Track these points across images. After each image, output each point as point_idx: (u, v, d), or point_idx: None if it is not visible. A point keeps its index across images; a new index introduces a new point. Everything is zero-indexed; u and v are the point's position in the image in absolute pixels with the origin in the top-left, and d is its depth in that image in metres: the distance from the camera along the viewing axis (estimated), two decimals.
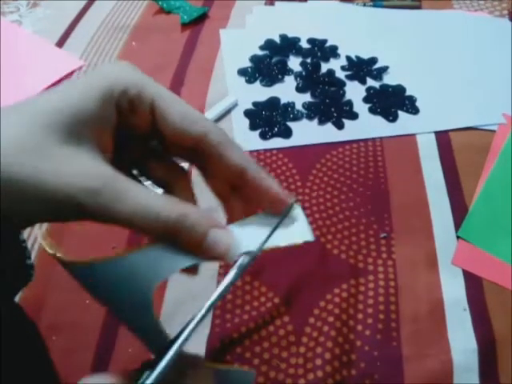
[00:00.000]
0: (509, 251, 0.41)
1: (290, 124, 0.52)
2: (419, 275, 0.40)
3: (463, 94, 0.56)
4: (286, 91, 0.55)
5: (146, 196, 0.19)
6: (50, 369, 0.26)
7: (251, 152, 0.49)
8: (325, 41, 0.62)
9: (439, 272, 0.40)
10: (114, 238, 0.41)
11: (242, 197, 0.24)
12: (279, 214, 0.23)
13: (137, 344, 0.34)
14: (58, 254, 0.19)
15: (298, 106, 0.54)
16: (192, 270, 0.24)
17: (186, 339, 0.19)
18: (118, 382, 0.19)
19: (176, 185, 0.24)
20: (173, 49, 0.61)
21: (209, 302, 0.20)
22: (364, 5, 0.69)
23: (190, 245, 0.20)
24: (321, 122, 0.52)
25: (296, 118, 0.52)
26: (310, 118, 0.53)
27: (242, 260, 0.21)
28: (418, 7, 0.69)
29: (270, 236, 0.22)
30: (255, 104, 0.54)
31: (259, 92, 0.55)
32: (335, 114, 0.53)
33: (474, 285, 0.39)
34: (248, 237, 0.22)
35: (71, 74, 0.57)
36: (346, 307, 0.38)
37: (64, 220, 0.20)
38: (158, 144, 0.24)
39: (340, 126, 0.52)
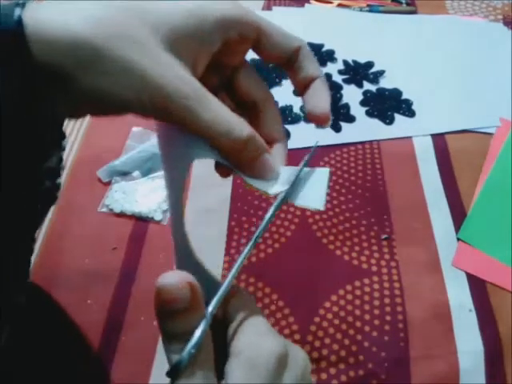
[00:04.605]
0: (508, 253, 0.41)
1: (288, 127, 0.52)
2: (423, 276, 0.40)
3: (458, 98, 0.57)
4: (284, 95, 0.56)
5: (225, 111, 0.22)
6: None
7: None
8: (322, 45, 0.63)
9: (443, 273, 0.40)
10: (114, 240, 0.41)
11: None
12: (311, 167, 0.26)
13: (139, 345, 0.34)
14: None
15: (296, 109, 0.54)
16: (225, 173, 0.26)
17: (237, 270, 0.22)
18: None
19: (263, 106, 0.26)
20: None
21: (254, 237, 0.23)
22: (360, 10, 0.70)
23: (246, 160, 0.23)
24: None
25: (294, 121, 0.53)
26: (307, 120, 0.53)
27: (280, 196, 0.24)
28: (414, 12, 0.70)
29: (293, 183, 0.24)
30: None
31: None
32: (333, 117, 0.53)
33: (479, 286, 0.39)
34: (283, 179, 0.24)
35: None
36: (351, 309, 0.38)
37: (149, 114, 0.21)
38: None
39: (337, 129, 0.52)
